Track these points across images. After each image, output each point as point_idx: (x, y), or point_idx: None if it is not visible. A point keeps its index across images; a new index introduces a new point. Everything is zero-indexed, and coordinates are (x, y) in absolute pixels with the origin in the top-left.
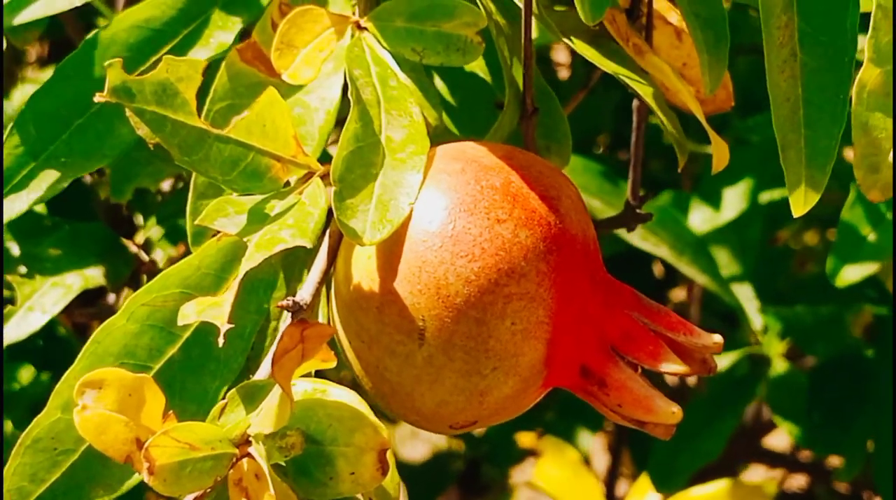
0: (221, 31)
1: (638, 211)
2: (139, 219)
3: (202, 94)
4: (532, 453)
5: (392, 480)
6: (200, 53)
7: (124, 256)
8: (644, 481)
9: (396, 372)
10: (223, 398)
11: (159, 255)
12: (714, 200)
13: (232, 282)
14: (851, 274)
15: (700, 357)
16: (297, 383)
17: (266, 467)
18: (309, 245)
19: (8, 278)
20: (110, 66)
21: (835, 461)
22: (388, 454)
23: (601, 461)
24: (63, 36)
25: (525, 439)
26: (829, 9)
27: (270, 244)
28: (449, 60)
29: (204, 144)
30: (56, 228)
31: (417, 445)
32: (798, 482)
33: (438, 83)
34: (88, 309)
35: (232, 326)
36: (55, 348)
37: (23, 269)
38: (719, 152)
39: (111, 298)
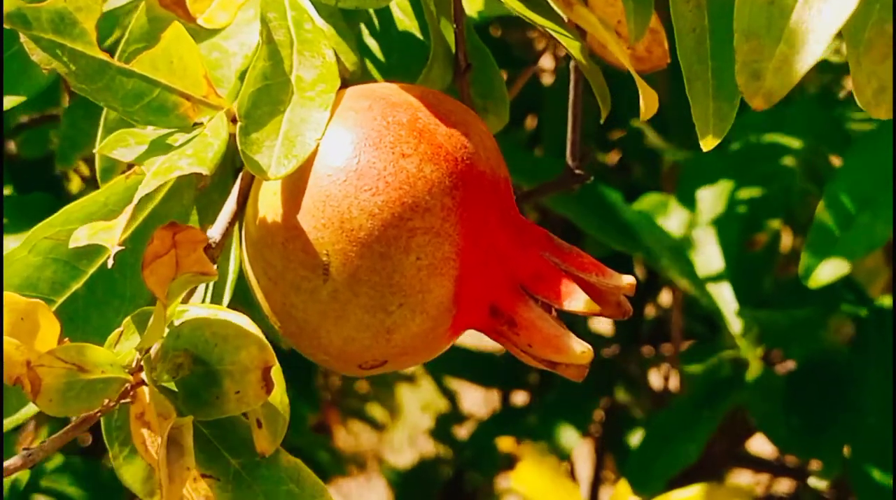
0: None
1: (577, 172)
2: None
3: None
4: (515, 459)
5: (281, 401)
6: None
7: None
8: (624, 485)
9: (302, 309)
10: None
11: None
12: (692, 203)
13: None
14: (824, 273)
15: (615, 300)
16: (189, 308)
17: (149, 386)
18: (206, 172)
19: None
20: None
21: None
22: (274, 372)
23: (585, 465)
24: None
25: (504, 443)
26: None
27: (167, 172)
28: (363, 3)
29: (104, 74)
30: (7, 200)
31: (407, 452)
32: (783, 486)
33: (372, 43)
34: None
35: (122, 248)
36: None
37: None
38: (647, 101)
39: None
